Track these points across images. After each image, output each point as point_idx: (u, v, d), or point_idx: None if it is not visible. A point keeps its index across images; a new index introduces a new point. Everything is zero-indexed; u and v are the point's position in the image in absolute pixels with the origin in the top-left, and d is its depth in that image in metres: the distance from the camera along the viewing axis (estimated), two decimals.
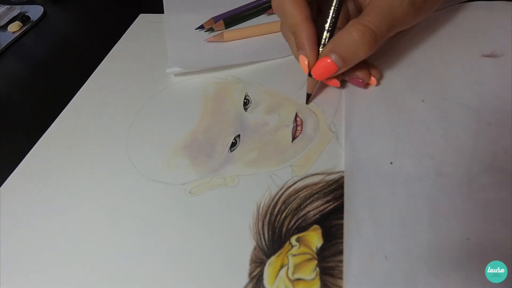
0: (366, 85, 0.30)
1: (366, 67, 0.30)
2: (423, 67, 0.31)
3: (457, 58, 0.31)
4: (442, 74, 0.30)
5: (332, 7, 0.27)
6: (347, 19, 0.30)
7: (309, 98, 0.31)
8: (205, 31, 0.41)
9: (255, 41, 0.38)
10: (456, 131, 0.26)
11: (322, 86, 0.32)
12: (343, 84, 0.31)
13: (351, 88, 0.31)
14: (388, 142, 0.26)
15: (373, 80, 0.30)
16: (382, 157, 0.26)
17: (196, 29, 0.41)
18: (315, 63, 0.28)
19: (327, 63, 0.27)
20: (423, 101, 0.28)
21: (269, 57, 0.36)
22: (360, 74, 0.29)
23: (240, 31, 0.39)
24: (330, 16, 0.28)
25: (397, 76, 0.31)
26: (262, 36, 0.39)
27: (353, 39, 0.26)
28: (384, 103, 0.29)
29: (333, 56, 0.26)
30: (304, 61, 0.28)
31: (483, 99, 0.27)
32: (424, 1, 0.27)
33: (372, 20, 0.26)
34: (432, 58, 0.32)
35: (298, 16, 0.27)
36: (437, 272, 0.20)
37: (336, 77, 0.29)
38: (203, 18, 0.41)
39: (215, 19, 0.41)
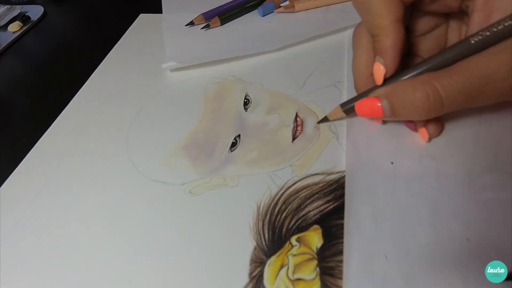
0: (421, 130, 0.26)
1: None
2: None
3: None
4: None
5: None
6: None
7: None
8: (201, 28, 0.41)
9: (253, 34, 0.39)
10: (457, 131, 0.26)
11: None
12: (342, 84, 0.31)
13: (351, 88, 0.31)
14: (389, 142, 0.26)
15: (424, 133, 0.25)
16: (383, 157, 0.26)
17: (186, 25, 0.41)
18: (393, 73, 0.23)
19: (376, 105, 0.23)
20: None
21: (264, 49, 0.36)
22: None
23: (310, 2, 0.40)
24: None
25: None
26: (262, 29, 0.39)
27: (413, 97, 0.21)
28: None
29: (385, 103, 0.22)
30: (380, 69, 0.23)
31: None
32: None
33: (448, 86, 0.20)
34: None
35: (388, 16, 0.22)
36: (437, 272, 0.20)
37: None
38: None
39: (205, 15, 0.41)
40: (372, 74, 0.24)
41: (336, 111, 0.27)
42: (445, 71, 0.21)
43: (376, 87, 0.24)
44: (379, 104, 0.23)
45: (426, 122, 0.25)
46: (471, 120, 0.26)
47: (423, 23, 0.26)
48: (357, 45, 0.26)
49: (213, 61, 0.36)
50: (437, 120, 0.25)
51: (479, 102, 0.21)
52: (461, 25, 0.26)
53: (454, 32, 0.26)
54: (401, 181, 0.24)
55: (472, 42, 0.21)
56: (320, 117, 0.29)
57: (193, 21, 0.41)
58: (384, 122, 0.27)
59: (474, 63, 0.20)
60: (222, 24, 0.41)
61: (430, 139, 0.26)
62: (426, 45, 0.26)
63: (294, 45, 0.36)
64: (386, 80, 0.24)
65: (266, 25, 0.40)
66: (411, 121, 0.26)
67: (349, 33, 0.36)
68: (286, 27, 0.39)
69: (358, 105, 0.24)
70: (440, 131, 0.26)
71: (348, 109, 0.27)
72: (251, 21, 0.41)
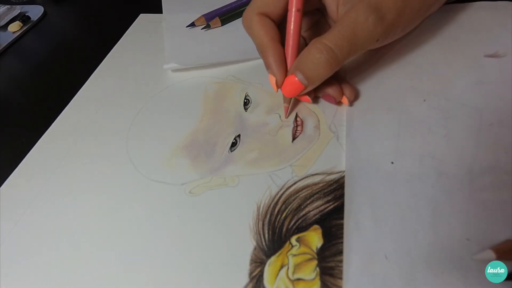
0: (338, 103, 0.30)
1: (338, 84, 0.29)
2: (425, 66, 0.31)
3: (460, 58, 0.31)
4: (444, 74, 0.30)
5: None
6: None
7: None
8: (201, 29, 0.41)
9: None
10: (458, 131, 0.26)
11: None
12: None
13: (351, 87, 0.31)
14: (389, 142, 0.26)
15: (344, 99, 0.29)
16: (383, 157, 0.26)
17: (187, 27, 0.41)
18: (283, 82, 0.28)
19: (294, 81, 0.26)
20: (424, 100, 0.28)
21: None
22: (331, 91, 0.29)
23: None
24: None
25: (399, 76, 0.31)
26: None
27: (313, 58, 0.25)
28: (385, 102, 0.29)
29: (299, 75, 0.26)
30: (272, 80, 0.28)
31: (485, 99, 0.27)
32: (399, 15, 0.26)
33: (332, 39, 0.25)
34: (434, 58, 0.31)
35: (264, 36, 0.27)
36: (437, 272, 0.20)
37: (308, 93, 0.29)
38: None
39: (206, 16, 0.41)
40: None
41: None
42: (328, 31, 0.26)
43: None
44: (296, 79, 0.26)
45: (339, 91, 0.29)
46: (471, 120, 0.26)
47: (306, 21, 0.31)
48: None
49: (209, 62, 0.36)
50: (349, 85, 0.29)
51: (361, 45, 0.26)
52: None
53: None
54: (401, 181, 0.24)
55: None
56: (320, 117, 0.29)
57: (194, 23, 0.41)
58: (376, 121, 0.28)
59: (342, 19, 0.25)
60: (222, 24, 0.41)
61: (352, 104, 0.30)
62: (314, 36, 0.29)
63: None
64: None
65: None
66: (330, 96, 0.29)
67: None
68: None
69: (283, 88, 0.28)
70: (355, 93, 0.29)
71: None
72: None
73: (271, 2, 0.28)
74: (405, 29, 0.28)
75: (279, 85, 0.28)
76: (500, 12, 0.34)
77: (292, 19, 0.27)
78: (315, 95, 0.30)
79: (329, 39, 0.25)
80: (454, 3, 0.35)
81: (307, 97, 0.29)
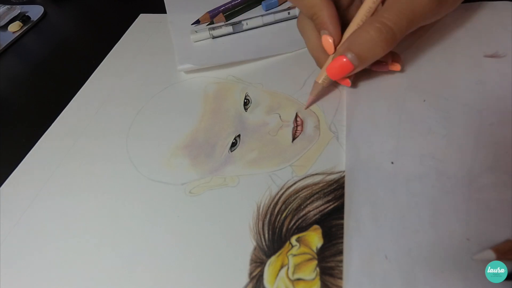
0: (391, 65, 0.30)
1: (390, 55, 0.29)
2: (425, 66, 0.31)
3: (460, 58, 0.31)
4: (444, 74, 0.30)
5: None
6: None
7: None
8: (206, 25, 0.41)
9: (265, 35, 0.39)
10: (458, 131, 0.26)
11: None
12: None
13: (352, 87, 0.31)
14: (389, 142, 0.26)
15: (396, 65, 0.29)
16: (383, 157, 0.26)
17: (192, 24, 0.41)
18: (340, 40, 0.27)
19: (343, 62, 0.26)
20: (424, 101, 0.28)
21: (279, 51, 0.36)
22: (383, 57, 0.28)
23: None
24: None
25: (399, 76, 0.31)
26: (272, 31, 0.39)
27: (370, 37, 0.25)
28: (385, 102, 0.29)
29: (349, 55, 0.26)
30: (328, 39, 0.27)
31: (485, 99, 0.27)
32: None
33: (390, 17, 0.25)
34: (434, 58, 0.31)
35: None
36: (437, 272, 0.20)
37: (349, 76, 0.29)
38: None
39: (211, 13, 0.41)
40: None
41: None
42: (382, 9, 0.25)
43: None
44: (345, 59, 0.26)
45: (390, 59, 0.29)
46: (471, 120, 0.26)
47: None
48: (304, 33, 0.31)
49: (222, 62, 0.36)
50: (396, 55, 0.30)
51: (417, 22, 0.25)
52: None
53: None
54: (401, 181, 0.24)
55: None
56: (320, 117, 0.29)
57: (199, 20, 0.41)
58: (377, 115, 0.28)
59: None
60: (227, 20, 0.41)
61: (402, 69, 0.30)
62: (351, 15, 0.29)
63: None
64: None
65: (274, 27, 0.39)
66: (379, 64, 0.29)
67: None
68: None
69: (328, 69, 0.27)
70: (402, 60, 0.30)
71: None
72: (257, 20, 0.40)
73: None
74: (451, 7, 0.28)
75: (336, 44, 0.27)
76: (500, 12, 0.33)
77: None
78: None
79: (388, 18, 0.25)
80: None
81: (347, 81, 0.29)
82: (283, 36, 0.38)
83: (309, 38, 0.30)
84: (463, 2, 0.35)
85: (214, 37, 0.39)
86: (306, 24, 0.30)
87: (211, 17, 0.41)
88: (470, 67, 0.30)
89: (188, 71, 0.36)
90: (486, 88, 0.28)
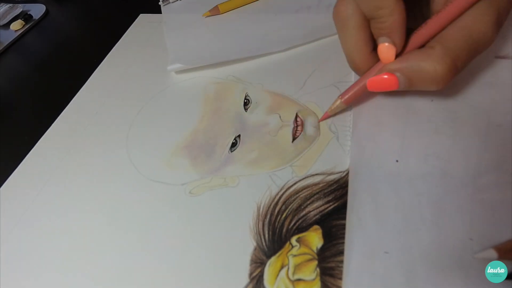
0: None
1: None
2: None
3: None
4: None
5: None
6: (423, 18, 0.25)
7: (326, 117, 0.29)
8: (202, 15, 0.42)
9: (256, 34, 0.38)
10: (465, 131, 0.26)
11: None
12: (342, 84, 0.30)
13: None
14: (395, 140, 0.26)
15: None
16: (388, 155, 0.26)
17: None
18: (401, 49, 0.24)
19: (391, 80, 0.23)
20: (432, 100, 0.28)
21: (271, 50, 0.36)
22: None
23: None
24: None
25: None
26: (263, 29, 0.39)
27: (433, 71, 0.22)
28: (392, 101, 0.29)
29: (402, 78, 0.23)
30: (391, 51, 0.23)
31: (494, 100, 0.27)
32: (507, 12, 0.22)
33: (453, 48, 0.22)
34: None
35: None
36: (438, 270, 0.20)
37: None
38: (201, 15, 0.42)
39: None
40: (371, 52, 0.25)
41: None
42: (446, 37, 0.22)
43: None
44: (394, 80, 0.23)
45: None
46: (479, 121, 0.26)
47: None
48: (343, 26, 0.25)
49: (213, 62, 0.36)
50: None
51: (476, 54, 0.23)
52: None
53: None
54: (405, 179, 0.24)
55: None
56: (320, 117, 0.29)
57: (210, 12, 0.42)
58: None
59: (461, 21, 0.22)
60: (222, 13, 0.41)
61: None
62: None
63: (296, 46, 0.36)
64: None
65: (270, 24, 0.39)
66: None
67: None
68: (291, 27, 0.38)
69: (370, 81, 0.25)
70: None
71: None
72: (255, 19, 0.41)
73: None
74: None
75: (398, 53, 0.24)
76: None
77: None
78: None
79: (458, 57, 0.22)
80: None
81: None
82: (279, 34, 0.38)
83: (350, 36, 0.25)
84: None
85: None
86: (351, 17, 0.24)
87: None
88: (480, 68, 0.30)
89: (179, 71, 0.36)
90: (496, 89, 0.28)
